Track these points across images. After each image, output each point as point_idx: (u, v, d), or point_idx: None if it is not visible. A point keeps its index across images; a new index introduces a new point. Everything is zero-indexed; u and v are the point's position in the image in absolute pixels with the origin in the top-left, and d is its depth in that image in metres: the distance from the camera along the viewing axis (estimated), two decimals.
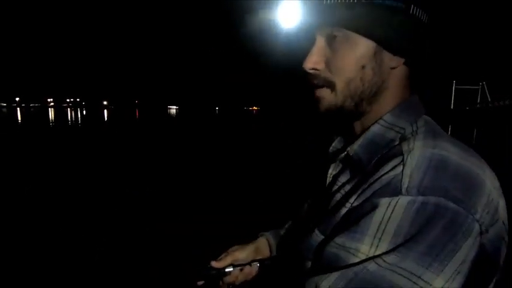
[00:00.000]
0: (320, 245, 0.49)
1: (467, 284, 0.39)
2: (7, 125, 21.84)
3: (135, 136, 14.54)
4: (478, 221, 0.40)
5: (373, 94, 0.49)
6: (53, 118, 34.47)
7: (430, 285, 0.38)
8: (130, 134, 15.57)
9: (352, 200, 0.46)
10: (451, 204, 0.39)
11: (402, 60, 0.48)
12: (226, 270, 0.69)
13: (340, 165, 0.56)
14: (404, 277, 0.38)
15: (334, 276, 0.42)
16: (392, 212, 0.40)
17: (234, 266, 0.70)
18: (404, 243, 0.39)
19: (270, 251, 0.77)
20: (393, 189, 0.41)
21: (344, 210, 0.47)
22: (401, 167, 0.42)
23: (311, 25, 0.50)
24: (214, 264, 0.70)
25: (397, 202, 0.40)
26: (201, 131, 19.43)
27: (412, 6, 0.45)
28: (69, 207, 3.89)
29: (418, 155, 0.42)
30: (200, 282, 0.68)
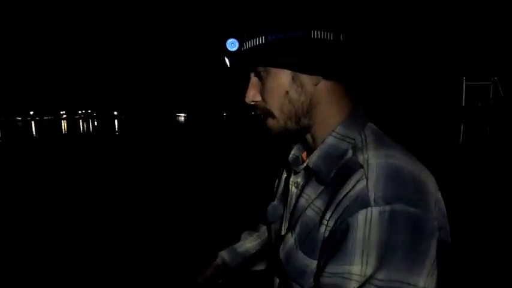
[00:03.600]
0: (310, 270, 0.52)
1: (438, 277, 0.44)
2: (22, 136, 22.59)
3: (144, 143, 14.74)
4: (436, 218, 0.45)
5: (307, 110, 0.56)
6: (65, 129, 35.50)
7: (417, 286, 0.42)
8: (139, 141, 15.82)
9: (327, 217, 0.49)
10: (412, 209, 0.43)
11: (320, 77, 0.54)
12: None
13: (302, 175, 0.60)
14: None
15: None
16: (370, 226, 0.43)
17: None
18: (387, 253, 0.42)
19: (226, 267, 0.84)
20: (362, 203, 0.45)
21: (322, 229, 0.50)
22: (364, 180, 0.46)
23: (246, 68, 0.59)
24: None
25: (371, 216, 0.44)
26: (208, 136, 19.59)
27: (312, 31, 0.51)
28: (74, 209, 3.89)
29: (375, 166, 0.47)
30: None
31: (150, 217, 3.53)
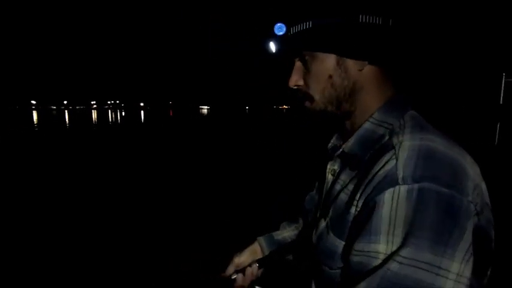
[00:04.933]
0: (340, 251, 0.52)
1: (474, 267, 0.41)
2: (56, 125, 23.93)
3: (168, 135, 15.05)
4: (472, 202, 0.43)
5: (349, 95, 0.56)
6: (96, 119, 37.14)
7: (449, 271, 0.40)
8: (163, 133, 16.23)
9: (357, 197, 0.49)
10: (444, 189, 0.42)
11: (365, 62, 0.54)
12: (232, 277, 0.80)
13: (338, 162, 0.61)
14: (426, 270, 0.40)
15: (363, 284, 0.43)
16: (397, 204, 0.43)
17: (237, 271, 0.81)
18: (414, 232, 0.41)
19: (262, 252, 0.86)
20: (390, 181, 0.44)
21: (353, 210, 0.50)
22: (394, 160, 0.46)
23: (291, 53, 0.60)
24: (222, 275, 0.82)
25: (398, 194, 0.43)
26: (231, 129, 19.71)
27: (361, 16, 0.51)
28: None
29: (407, 147, 0.46)
30: None
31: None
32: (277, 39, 0.56)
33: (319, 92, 0.57)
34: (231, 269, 0.82)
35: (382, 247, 0.43)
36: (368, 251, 0.44)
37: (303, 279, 0.68)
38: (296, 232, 0.89)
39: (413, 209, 0.42)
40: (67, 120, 32.35)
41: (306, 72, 0.58)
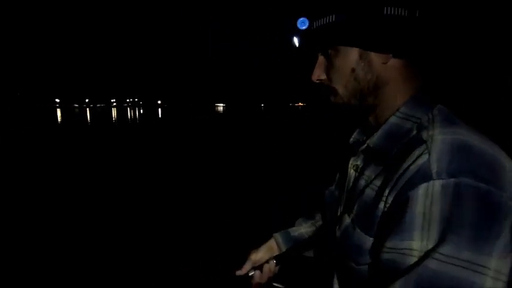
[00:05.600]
0: (368, 247, 0.51)
1: None
2: (79, 123, 24.76)
3: (184, 132, 15.27)
4: (510, 198, 0.41)
5: (373, 89, 0.55)
6: (115, 116, 38.28)
7: (488, 269, 0.39)
8: (180, 130, 16.48)
9: (386, 193, 0.48)
10: (482, 185, 0.40)
11: (389, 55, 0.53)
12: (250, 274, 0.79)
13: (362, 157, 0.60)
14: (465, 268, 0.38)
15: (398, 283, 0.42)
16: (432, 200, 0.41)
17: (254, 268, 0.79)
18: (451, 228, 0.40)
19: (279, 248, 0.85)
20: (424, 176, 0.43)
21: (381, 206, 0.49)
22: (427, 154, 0.44)
23: (314, 47, 0.60)
24: (238, 272, 0.81)
25: (433, 189, 0.41)
26: (246, 126, 19.74)
27: (386, 8, 0.50)
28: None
29: (439, 141, 0.45)
30: None
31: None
32: (300, 33, 0.56)
33: (342, 86, 0.56)
34: (247, 266, 0.81)
35: (416, 244, 0.42)
36: (401, 249, 0.43)
37: (323, 276, 0.67)
38: (313, 228, 0.88)
39: (449, 205, 0.40)
40: (88, 118, 33.32)
41: (329, 66, 0.57)
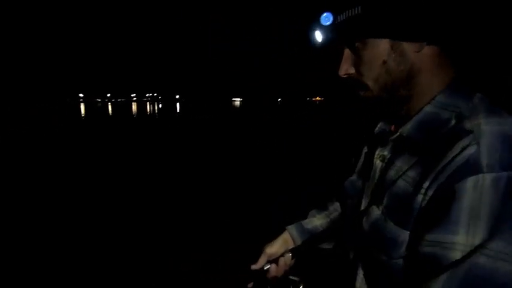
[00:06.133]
0: (402, 240, 0.49)
1: None
2: (101, 117, 25.54)
3: (203, 127, 15.43)
4: None
5: (406, 79, 0.52)
6: (135, 110, 39.19)
7: None
8: (198, 125, 16.72)
9: (425, 185, 0.46)
10: None
11: (423, 43, 0.50)
12: (265, 268, 0.77)
13: (391, 147, 0.58)
14: None
15: (442, 278, 0.40)
16: (481, 193, 0.39)
17: (269, 262, 0.78)
18: (502, 224, 0.38)
19: (294, 241, 0.83)
20: (472, 168, 0.40)
21: (419, 198, 0.46)
22: (475, 145, 0.42)
23: (339, 42, 0.57)
24: (253, 267, 0.79)
25: (483, 182, 0.39)
26: (263, 121, 19.68)
27: None
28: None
29: (488, 132, 0.43)
30: (250, 284, 0.77)
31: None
32: (324, 29, 0.54)
33: (373, 80, 0.54)
34: (263, 260, 0.79)
35: (460, 238, 0.40)
36: (443, 242, 0.41)
37: (342, 268, 0.66)
38: (327, 220, 0.86)
39: (501, 199, 0.38)
40: (110, 112, 34.32)
41: (357, 59, 0.55)
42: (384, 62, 0.52)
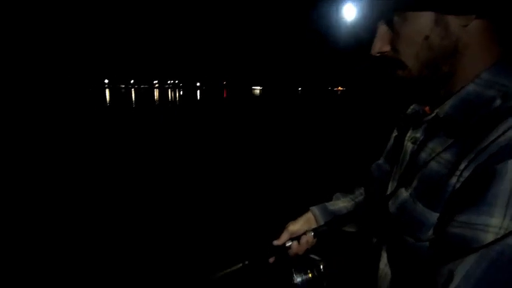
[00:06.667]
0: (431, 222, 0.47)
1: None
2: (125, 102, 26.29)
3: (222, 115, 15.48)
4: None
5: (450, 56, 0.48)
6: (157, 97, 39.99)
7: None
8: (217, 112, 16.72)
9: (461, 167, 0.44)
10: None
11: (472, 16, 0.46)
12: (287, 244, 0.78)
13: (424, 129, 0.54)
14: None
15: (471, 259, 0.39)
16: None
17: (292, 239, 0.78)
18: None
19: (317, 222, 0.83)
20: None
21: (454, 180, 0.44)
22: None
23: (374, 17, 0.53)
24: (275, 242, 0.79)
25: None
26: (283, 111, 19.40)
27: None
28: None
29: None
30: (271, 259, 0.77)
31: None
32: (361, 3, 0.51)
33: (412, 57, 0.50)
34: (285, 237, 0.79)
35: (495, 221, 0.38)
36: (475, 224, 0.39)
37: (366, 251, 0.65)
38: (352, 203, 0.85)
39: None
40: (133, 98, 35.19)
41: (394, 36, 0.50)
42: (426, 38, 0.48)
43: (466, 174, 0.43)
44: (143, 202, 3.76)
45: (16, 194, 3.94)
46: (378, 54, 0.53)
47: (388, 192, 0.59)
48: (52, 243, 2.73)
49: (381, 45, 0.52)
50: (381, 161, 0.71)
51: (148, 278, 2.27)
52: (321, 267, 0.74)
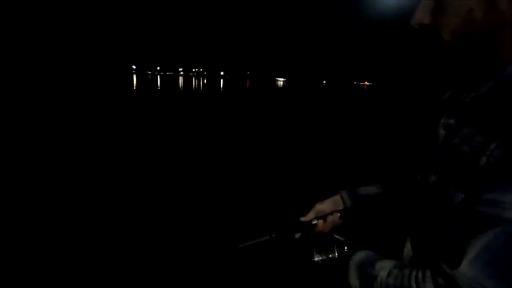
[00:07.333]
0: (460, 203, 0.47)
1: None
2: (150, 88, 26.94)
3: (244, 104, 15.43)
4: None
5: (492, 33, 0.46)
6: (181, 84, 40.66)
7: None
8: (240, 102, 16.67)
9: (492, 146, 0.43)
10: None
11: None
12: (313, 222, 0.80)
13: (458, 115, 0.53)
14: None
15: (491, 233, 0.39)
16: None
17: (318, 218, 0.81)
18: None
19: (344, 203, 0.84)
20: None
21: (483, 160, 0.44)
22: None
23: None
24: (302, 219, 0.81)
25: None
26: (305, 104, 19.07)
27: None
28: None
29: None
30: (297, 235, 0.79)
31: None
32: None
33: (452, 31, 0.47)
34: (311, 214, 0.81)
35: None
36: (501, 202, 0.40)
37: (391, 235, 0.65)
38: (380, 190, 0.85)
39: None
40: (159, 84, 35.92)
41: (437, 7, 0.49)
42: (470, 11, 0.45)
43: (495, 153, 0.42)
44: (179, 177, 3.97)
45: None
46: (417, 26, 0.51)
47: (419, 177, 0.59)
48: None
49: (422, 16, 0.50)
50: (411, 148, 0.72)
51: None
52: (345, 248, 0.74)
